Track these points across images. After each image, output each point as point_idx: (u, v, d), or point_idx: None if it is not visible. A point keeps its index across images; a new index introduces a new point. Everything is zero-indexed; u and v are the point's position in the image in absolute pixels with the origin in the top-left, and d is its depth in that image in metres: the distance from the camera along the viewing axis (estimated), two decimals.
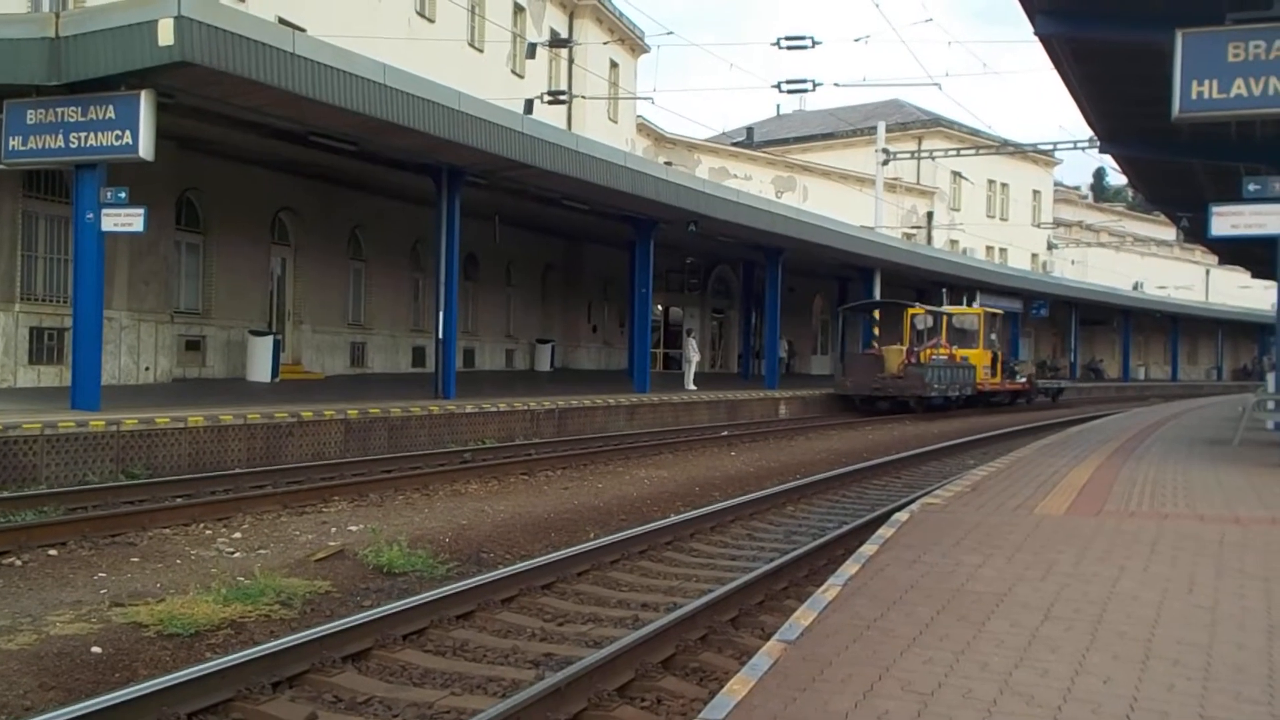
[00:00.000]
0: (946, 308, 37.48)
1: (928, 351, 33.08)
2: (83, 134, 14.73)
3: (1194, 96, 13.04)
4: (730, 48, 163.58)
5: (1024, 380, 40.85)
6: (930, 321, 35.96)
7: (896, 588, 6.75)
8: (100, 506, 11.16)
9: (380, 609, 7.24)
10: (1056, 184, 77.86)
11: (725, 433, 22.75)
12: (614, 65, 43.78)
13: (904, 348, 33.67)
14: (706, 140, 57.18)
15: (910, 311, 35.89)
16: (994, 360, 37.15)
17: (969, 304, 40.16)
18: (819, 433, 24.67)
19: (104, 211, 15.00)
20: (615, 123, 43.57)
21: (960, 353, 34.62)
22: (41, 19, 15.30)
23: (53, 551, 8.81)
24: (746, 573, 9.00)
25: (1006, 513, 9.84)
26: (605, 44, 41.79)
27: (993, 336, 37.68)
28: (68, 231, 18.31)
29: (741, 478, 16.01)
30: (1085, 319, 63.13)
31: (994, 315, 38.45)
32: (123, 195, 14.97)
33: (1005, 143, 58.22)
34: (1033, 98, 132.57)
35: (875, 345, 37.48)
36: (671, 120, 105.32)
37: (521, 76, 36.96)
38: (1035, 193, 71.36)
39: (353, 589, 8.40)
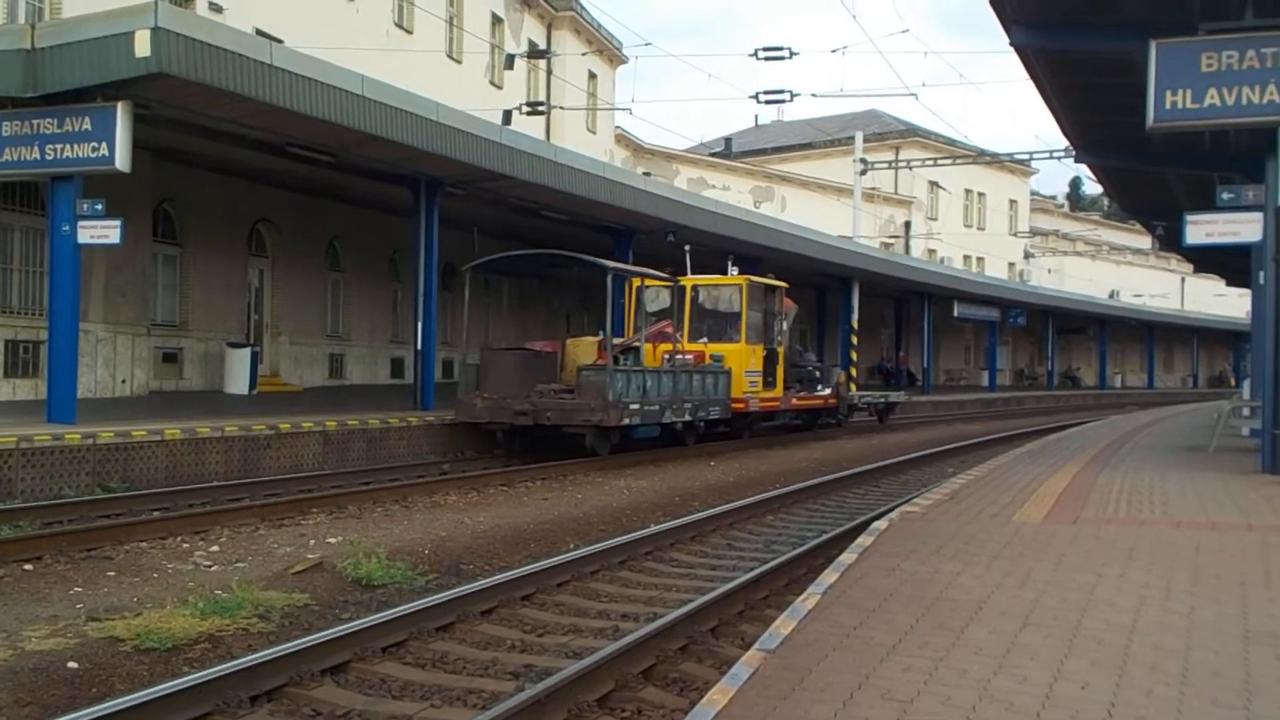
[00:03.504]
0: (692, 277, 23.69)
1: (660, 347, 21.27)
2: (58, 145, 14.67)
3: (1168, 106, 13.15)
4: (708, 59, 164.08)
5: (827, 392, 27.42)
6: (666, 299, 22.88)
7: (876, 596, 6.77)
8: (76, 520, 11.08)
9: (359, 621, 7.22)
10: (1033, 193, 78.38)
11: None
12: (592, 76, 43.85)
13: (598, 339, 20.61)
14: (685, 151, 57.36)
15: (635, 282, 22.57)
16: (768, 361, 23.78)
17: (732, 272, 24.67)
18: (799, 442, 24.70)
19: (80, 223, 14.93)
20: (594, 133, 43.64)
21: (713, 349, 22.54)
22: (17, 30, 15.22)
23: (28, 566, 8.74)
24: (726, 582, 9.00)
25: (985, 520, 9.88)
26: (583, 55, 41.86)
27: (781, 326, 24.75)
28: (43, 244, 18.19)
29: (721, 487, 16.03)
30: (1062, 328, 63.50)
31: (770, 289, 24.50)
32: (99, 207, 14.90)
33: (982, 152, 58.60)
34: (1009, 108, 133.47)
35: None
36: (650, 131, 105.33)
37: (500, 87, 36.98)
38: (1012, 202, 71.81)
39: (331, 602, 8.36)
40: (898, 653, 5.54)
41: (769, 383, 23.91)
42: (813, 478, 17.11)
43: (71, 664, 6.38)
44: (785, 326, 25.40)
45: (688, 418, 20.42)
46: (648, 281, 21.92)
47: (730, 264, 24.74)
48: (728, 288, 23.51)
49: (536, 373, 19.47)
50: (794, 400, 25.45)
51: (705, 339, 22.93)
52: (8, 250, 19.69)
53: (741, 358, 22.78)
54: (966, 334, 63.55)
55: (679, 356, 21.08)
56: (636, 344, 20.50)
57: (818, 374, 28.14)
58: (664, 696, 6.34)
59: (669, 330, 21.59)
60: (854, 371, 41.11)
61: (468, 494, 13.88)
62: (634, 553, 10.52)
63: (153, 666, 6.58)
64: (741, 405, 22.57)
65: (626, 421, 18.27)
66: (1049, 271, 72.79)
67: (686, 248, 24.22)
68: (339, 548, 9.89)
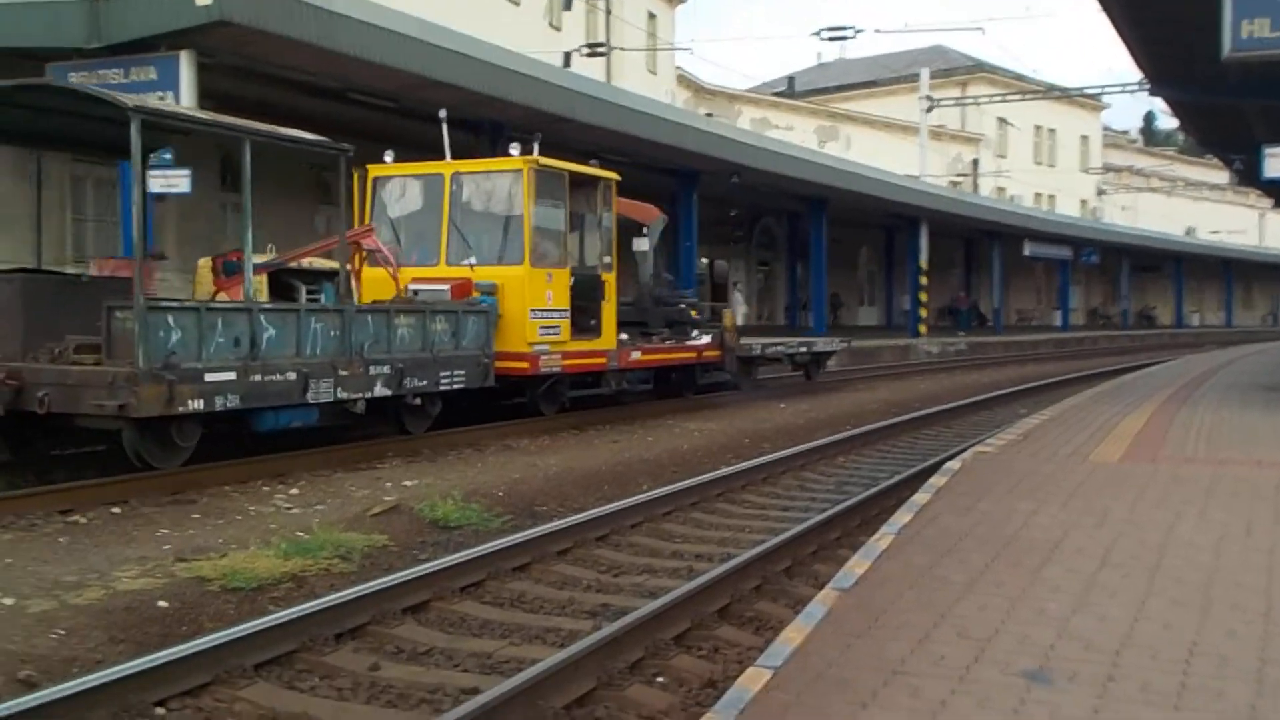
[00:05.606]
0: (452, 162, 15.42)
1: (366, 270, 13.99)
2: (125, 96, 14.84)
3: (1244, 35, 12.80)
4: None
5: (704, 341, 18.63)
6: (418, 197, 15.68)
7: (950, 536, 6.76)
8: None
9: (437, 562, 7.34)
10: (1105, 128, 76.73)
11: (771, 386, 22.72)
12: (652, 16, 43.42)
13: (214, 259, 13.04)
14: (747, 91, 56.78)
15: (374, 171, 15.88)
16: (582, 293, 15.37)
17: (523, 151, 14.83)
18: (867, 383, 24.57)
19: (150, 173, 15.10)
20: (654, 75, 43.26)
21: (483, 274, 14.36)
22: None
23: (116, 510, 8.96)
24: (799, 523, 9.03)
25: (1060, 460, 9.79)
26: None
27: (606, 237, 16.19)
28: (115, 195, 18.48)
29: (791, 429, 16.00)
30: (1137, 266, 62.41)
31: (585, 181, 15.95)
32: (168, 156, 15.04)
33: (1052, 87, 57.47)
34: (1079, 40, 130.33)
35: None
36: (711, 71, 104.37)
37: (559, 29, 36.71)
38: (1083, 138, 70.35)
39: (409, 543, 8.50)
40: (973, 592, 5.54)
41: (585, 327, 15.51)
42: (883, 419, 17.02)
43: (161, 603, 6.55)
44: (645, 246, 18.43)
45: (384, 390, 12.11)
46: (388, 169, 15.29)
47: (517, 145, 14.81)
48: (502, 177, 14.89)
49: (73, 316, 10.66)
50: (635, 355, 16.73)
51: (472, 259, 14.50)
52: (82, 201, 20.03)
53: (524, 288, 14.39)
54: (1038, 274, 62.67)
55: (410, 288, 13.94)
56: (297, 263, 13.45)
57: (689, 308, 19.49)
58: (740, 635, 6.40)
59: (370, 243, 13.83)
60: (924, 313, 40.73)
61: (539, 438, 13.98)
62: (706, 494, 10.56)
63: (239, 605, 6.74)
64: (524, 365, 14.27)
65: (195, 406, 9.87)
66: (1122, 209, 71.39)
67: (442, 114, 15.51)
68: (415, 490, 10.03)
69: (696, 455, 13.32)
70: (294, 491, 9.97)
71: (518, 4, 34.78)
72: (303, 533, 8.21)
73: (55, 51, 15.05)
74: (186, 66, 14.64)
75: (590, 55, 34.14)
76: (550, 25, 36.65)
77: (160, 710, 5.13)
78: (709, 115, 39.59)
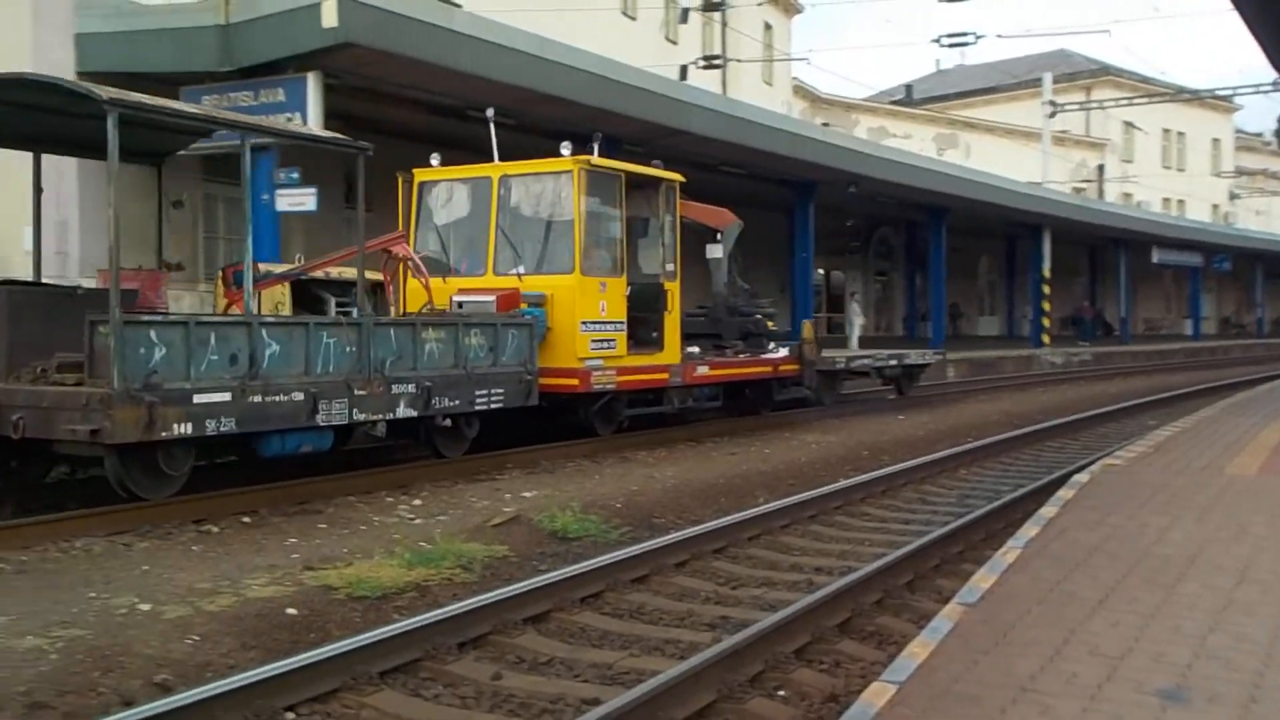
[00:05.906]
0: (500, 164, 14.31)
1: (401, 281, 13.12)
2: (255, 117, 15.34)
3: None
4: (886, 2, 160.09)
5: (782, 354, 17.71)
6: (465, 202, 14.60)
7: (1079, 550, 6.59)
8: (288, 476, 11.57)
9: (557, 572, 7.38)
10: (1238, 131, 74.14)
11: (892, 396, 22.43)
12: (768, 27, 43.31)
13: (227, 269, 12.51)
14: (864, 100, 56.32)
15: (420, 176, 15.01)
16: (641, 303, 14.33)
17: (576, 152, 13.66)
18: (989, 394, 24.10)
19: (278, 192, 15.56)
20: (770, 86, 43.15)
21: (532, 284, 13.34)
22: (212, 6, 15.95)
23: (246, 519, 9.21)
24: (920, 536, 8.88)
25: (1194, 473, 9.48)
26: (759, 5, 41.31)
27: (666, 242, 14.96)
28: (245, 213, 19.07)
29: (910, 441, 15.77)
30: (1272, 272, 60.18)
31: (644, 182, 14.89)
32: (295, 175, 15.50)
33: (1180, 89, 55.72)
34: (1209, 40, 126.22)
35: None
36: (828, 81, 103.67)
37: (675, 43, 36.84)
38: (1215, 141, 68.16)
39: (529, 553, 8.57)
40: (1105, 608, 5.39)
41: (644, 340, 14.51)
42: (1006, 431, 16.69)
43: (290, 610, 6.71)
44: (719, 253, 17.80)
45: (409, 411, 11.06)
46: (434, 174, 14.42)
47: (568, 144, 13.63)
48: (552, 179, 13.72)
49: (67, 331, 9.32)
50: (703, 369, 15.47)
51: (520, 268, 13.57)
52: (213, 220, 20.70)
53: (575, 298, 13.33)
54: (1166, 281, 60.85)
55: (454, 299, 13.17)
56: (324, 273, 12.54)
57: (763, 318, 18.58)
58: (862, 649, 6.31)
59: (401, 251, 12.60)
60: (1047, 323, 39.75)
61: (655, 450, 14.00)
62: (824, 507, 10.46)
63: (365, 613, 6.87)
64: (574, 382, 13.25)
65: (182, 430, 8.92)
66: (1257, 213, 68.98)
67: (489, 112, 14.56)
68: (534, 501, 10.13)
69: (814, 468, 13.21)
70: (416, 502, 10.14)
71: (634, 18, 35.02)
72: (425, 543, 8.34)
73: (188, 76, 15.62)
74: (313, 88, 15.09)
75: (706, 67, 34.23)
76: (666, 39, 36.82)
77: (290, 715, 5.25)
78: (826, 125, 39.34)
